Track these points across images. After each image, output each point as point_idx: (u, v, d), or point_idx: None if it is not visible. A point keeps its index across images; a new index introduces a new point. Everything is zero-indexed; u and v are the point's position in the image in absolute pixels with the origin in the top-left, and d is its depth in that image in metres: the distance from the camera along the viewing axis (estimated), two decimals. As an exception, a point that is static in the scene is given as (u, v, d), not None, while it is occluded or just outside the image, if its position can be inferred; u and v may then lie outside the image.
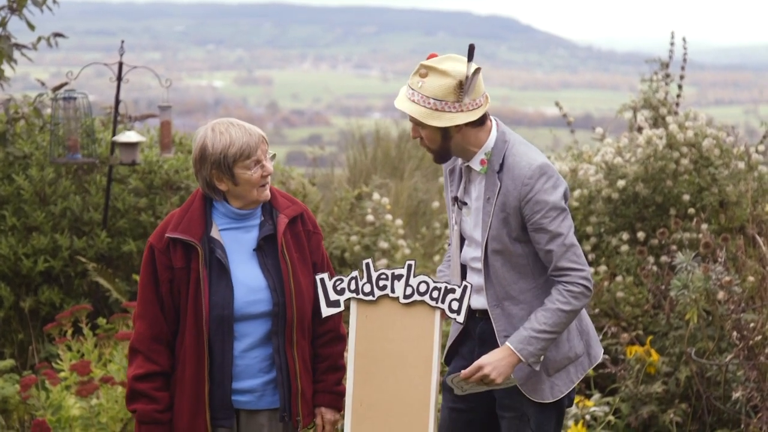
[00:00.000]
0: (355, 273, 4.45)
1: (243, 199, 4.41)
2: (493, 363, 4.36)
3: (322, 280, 4.44)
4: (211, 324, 4.36)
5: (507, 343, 4.38)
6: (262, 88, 66.72)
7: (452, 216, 4.58)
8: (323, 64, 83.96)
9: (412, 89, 4.37)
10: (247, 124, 4.39)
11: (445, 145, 4.42)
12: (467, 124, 4.39)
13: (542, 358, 4.42)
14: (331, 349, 4.55)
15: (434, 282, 4.39)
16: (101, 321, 6.92)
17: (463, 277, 4.55)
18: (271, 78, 71.96)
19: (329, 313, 4.45)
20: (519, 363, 4.38)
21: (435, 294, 4.39)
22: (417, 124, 4.41)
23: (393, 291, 4.42)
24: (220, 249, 4.38)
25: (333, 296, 4.44)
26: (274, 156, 4.46)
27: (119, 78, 8.26)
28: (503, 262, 4.44)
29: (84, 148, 8.15)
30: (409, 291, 4.41)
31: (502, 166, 4.41)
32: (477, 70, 4.35)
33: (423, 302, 4.40)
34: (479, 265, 4.48)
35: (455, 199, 4.54)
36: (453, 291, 4.37)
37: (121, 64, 8.24)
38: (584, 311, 4.60)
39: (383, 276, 4.43)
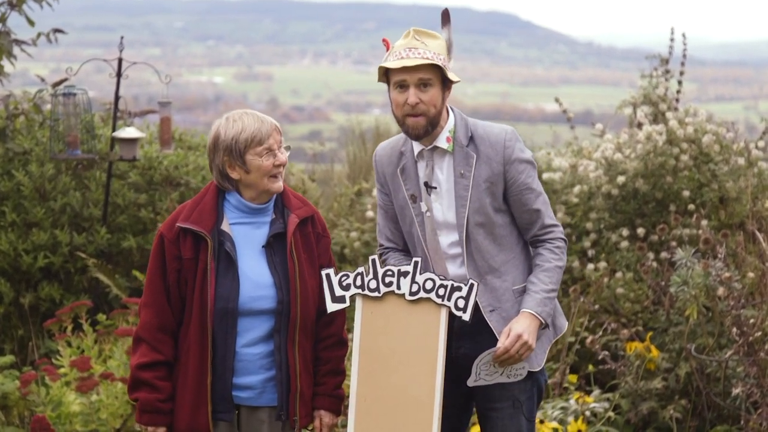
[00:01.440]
0: (361, 269, 4.45)
1: (254, 189, 4.42)
2: (526, 329, 4.38)
3: (327, 275, 4.44)
4: (215, 316, 4.37)
5: (525, 309, 4.40)
6: (262, 84, 66.66)
7: (419, 209, 4.51)
8: (323, 60, 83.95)
9: (418, 49, 4.36)
10: (261, 113, 4.43)
11: (441, 109, 4.42)
12: (445, 93, 4.43)
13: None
14: (333, 353, 4.56)
15: (440, 279, 4.39)
16: (101, 317, 6.92)
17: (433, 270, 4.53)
18: (271, 74, 71.93)
19: (334, 309, 4.45)
20: (540, 326, 4.41)
21: (441, 291, 4.39)
22: (419, 85, 4.36)
23: (399, 288, 4.42)
24: (229, 242, 4.39)
25: (338, 292, 4.45)
26: (288, 147, 4.48)
27: (119, 74, 8.26)
28: (485, 235, 4.45)
29: (84, 143, 8.16)
30: (415, 288, 4.41)
31: (471, 138, 4.44)
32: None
33: (429, 299, 4.40)
34: (457, 249, 4.47)
35: (425, 184, 4.48)
36: (459, 289, 4.36)
37: (120, 60, 8.24)
38: None
39: (389, 272, 4.43)
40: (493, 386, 4.49)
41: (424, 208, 4.50)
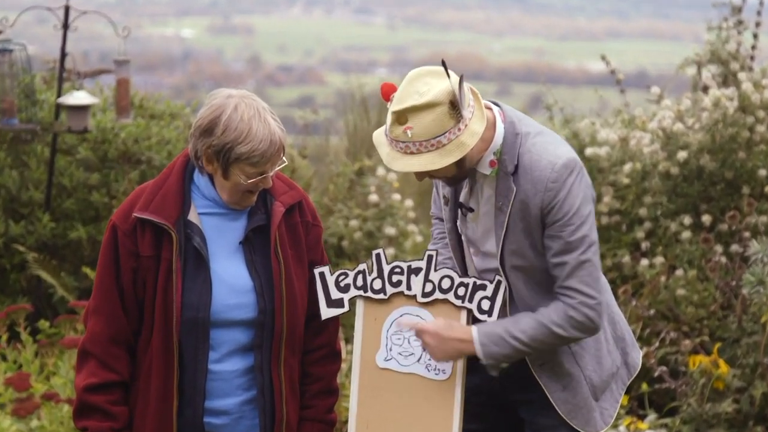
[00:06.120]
0: (362, 266, 4.44)
1: (224, 192, 4.35)
2: (440, 339, 4.33)
3: (322, 274, 4.43)
4: (182, 327, 4.34)
5: (473, 328, 4.33)
6: (242, 39, 66.66)
7: (447, 216, 4.52)
8: (316, 9, 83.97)
9: (402, 141, 4.25)
10: (276, 122, 4.28)
11: (462, 167, 4.32)
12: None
13: (503, 365, 4.41)
14: (325, 368, 4.52)
15: (460, 277, 4.38)
16: (43, 324, 6.93)
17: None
18: (253, 26, 71.95)
19: (330, 315, 4.44)
20: (471, 355, 4.33)
21: (461, 291, 4.38)
22: (430, 176, 4.34)
23: (409, 288, 4.43)
24: (198, 236, 4.34)
25: (335, 294, 4.43)
26: (283, 164, 4.38)
27: (65, 25, 8.27)
28: (526, 280, 4.40)
29: (22, 111, 8.16)
30: (429, 288, 4.41)
31: (517, 167, 4.32)
32: (461, 79, 4.24)
33: (446, 301, 4.40)
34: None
35: (460, 204, 4.47)
36: (483, 287, 4.36)
37: (67, 9, 8.25)
38: (618, 311, 4.60)
39: (397, 269, 4.42)
40: (543, 417, 4.48)
41: (460, 227, 4.49)
